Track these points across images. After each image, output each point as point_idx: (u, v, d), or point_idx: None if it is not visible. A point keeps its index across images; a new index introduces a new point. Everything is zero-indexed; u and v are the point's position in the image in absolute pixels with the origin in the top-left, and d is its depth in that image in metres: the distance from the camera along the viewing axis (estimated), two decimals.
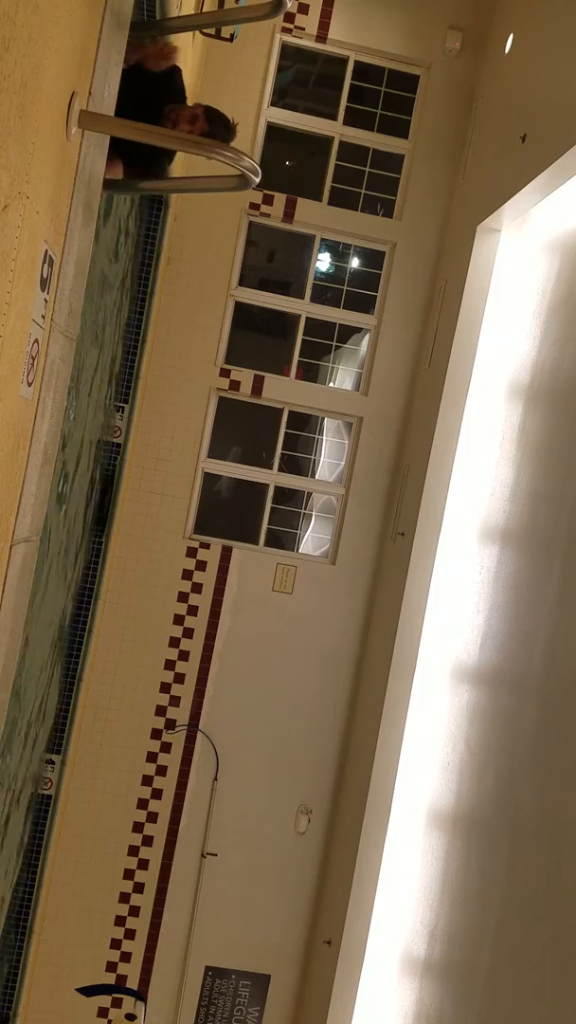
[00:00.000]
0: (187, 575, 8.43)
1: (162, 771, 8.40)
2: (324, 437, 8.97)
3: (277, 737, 8.46)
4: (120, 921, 8.38)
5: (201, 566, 8.44)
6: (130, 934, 8.40)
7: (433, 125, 8.46)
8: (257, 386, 8.51)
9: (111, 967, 8.37)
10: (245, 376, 8.49)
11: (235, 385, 8.49)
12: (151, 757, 8.39)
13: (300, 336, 8.67)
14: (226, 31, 7.33)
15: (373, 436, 8.58)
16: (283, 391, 8.61)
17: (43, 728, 6.59)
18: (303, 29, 8.32)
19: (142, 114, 3.74)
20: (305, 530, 8.96)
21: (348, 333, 8.85)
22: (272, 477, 8.72)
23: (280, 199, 8.39)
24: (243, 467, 8.75)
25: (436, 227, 8.46)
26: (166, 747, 8.40)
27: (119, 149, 3.87)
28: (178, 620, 8.43)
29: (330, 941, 7.96)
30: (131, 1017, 7.74)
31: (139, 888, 8.41)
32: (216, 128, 4.13)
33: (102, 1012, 8.16)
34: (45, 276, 2.84)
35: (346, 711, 8.54)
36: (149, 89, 4.17)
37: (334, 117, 8.56)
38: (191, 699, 8.42)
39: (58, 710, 7.21)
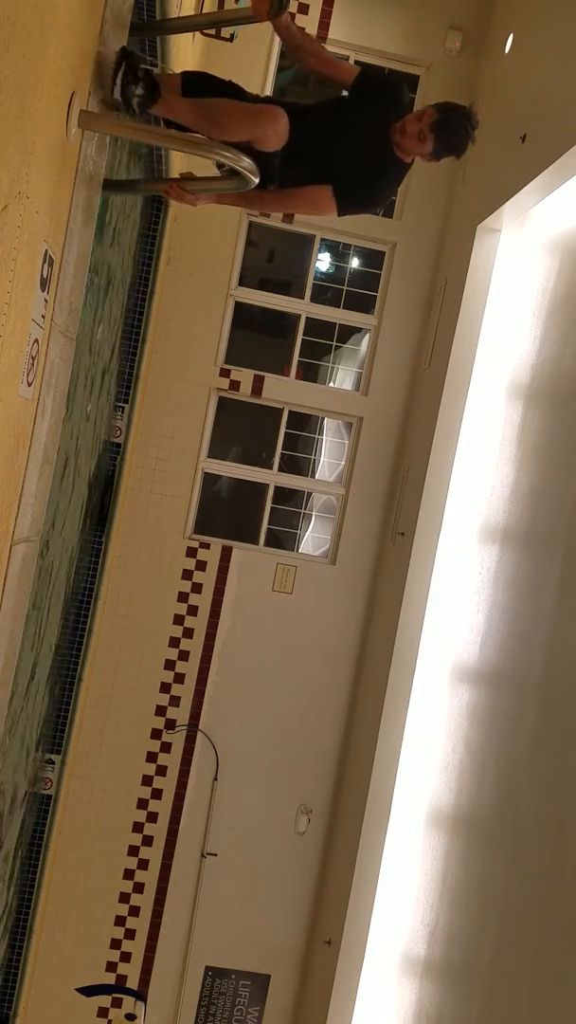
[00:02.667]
0: (187, 575, 8.43)
1: (162, 771, 8.40)
2: (324, 437, 8.97)
3: (277, 737, 8.46)
4: (120, 921, 8.38)
5: (201, 566, 8.44)
6: (130, 934, 8.40)
7: None
8: (257, 386, 8.51)
9: (111, 967, 8.37)
10: (245, 376, 8.49)
11: (235, 385, 8.49)
12: (151, 757, 8.39)
13: (300, 336, 8.67)
14: (226, 31, 7.32)
15: (373, 436, 8.58)
16: (283, 391, 8.61)
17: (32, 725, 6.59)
18: (303, 29, 8.30)
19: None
20: (305, 530, 8.96)
21: (348, 333, 8.85)
22: (272, 477, 8.72)
23: None
24: (243, 467, 8.75)
25: (436, 227, 8.45)
26: (166, 747, 8.40)
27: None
28: (178, 620, 8.42)
29: (330, 941, 7.96)
30: (131, 1017, 7.73)
31: (139, 888, 8.41)
32: (449, 119, 3.64)
33: (102, 1012, 8.15)
34: (45, 276, 2.84)
35: (346, 711, 8.54)
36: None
37: None
38: (191, 699, 8.42)
39: (58, 710, 7.21)
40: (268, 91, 8.39)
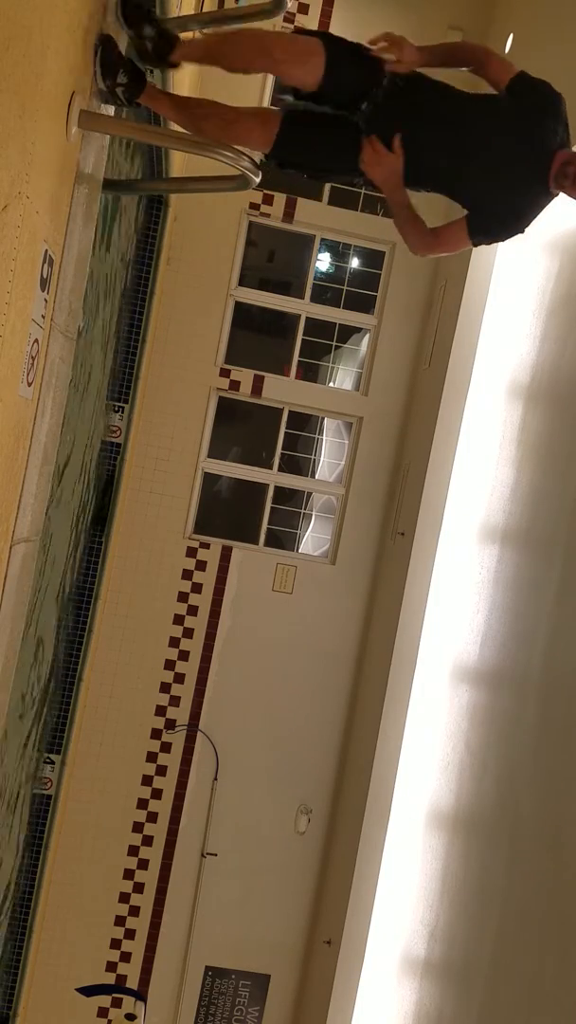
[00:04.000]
0: (187, 575, 8.43)
1: (162, 771, 8.40)
2: (324, 437, 8.97)
3: (277, 737, 8.46)
4: (120, 921, 8.38)
5: (201, 566, 8.44)
6: (130, 934, 8.40)
7: None
8: (257, 386, 8.51)
9: (111, 967, 8.37)
10: (245, 376, 8.48)
11: (235, 385, 8.49)
12: (151, 757, 8.39)
13: (300, 336, 8.67)
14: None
15: (373, 436, 8.58)
16: (283, 391, 8.61)
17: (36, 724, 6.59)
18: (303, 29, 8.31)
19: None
20: (305, 530, 8.96)
21: (348, 333, 8.85)
22: (272, 477, 8.72)
23: (280, 199, 8.39)
24: (243, 467, 8.75)
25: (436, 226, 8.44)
26: (166, 747, 8.40)
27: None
28: (178, 620, 8.42)
29: (330, 941, 7.96)
30: (131, 1017, 7.73)
31: (139, 888, 8.41)
32: None
33: (102, 1012, 8.15)
34: (45, 276, 2.84)
35: (346, 711, 8.54)
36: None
37: None
38: (191, 699, 8.42)
39: (58, 710, 7.21)
40: (268, 89, 8.39)
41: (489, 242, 3.45)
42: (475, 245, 3.41)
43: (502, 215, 3.29)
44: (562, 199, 3.34)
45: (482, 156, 3.23)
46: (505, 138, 3.21)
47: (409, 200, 3.35)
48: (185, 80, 6.44)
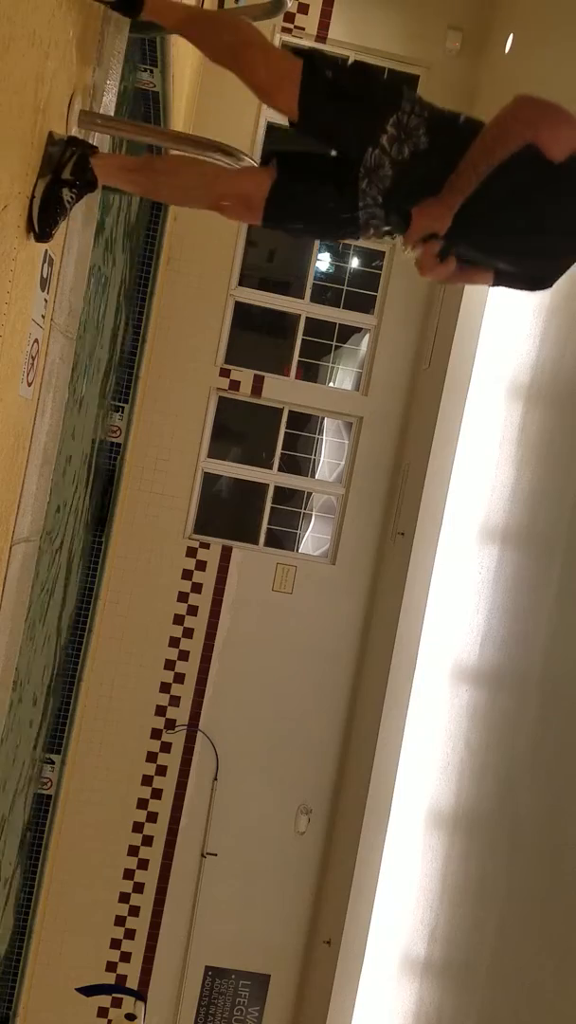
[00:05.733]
0: (187, 575, 8.43)
1: (162, 771, 8.40)
2: (324, 437, 8.97)
3: (277, 737, 8.46)
4: (120, 921, 8.38)
5: (201, 566, 8.44)
6: (130, 934, 8.40)
7: None
8: (257, 386, 8.51)
9: (111, 967, 8.37)
10: (245, 376, 8.48)
11: (235, 385, 8.49)
12: (151, 757, 8.39)
13: (300, 336, 8.67)
14: None
15: (373, 436, 8.58)
16: (283, 391, 8.61)
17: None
18: (303, 29, 8.31)
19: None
20: (305, 530, 8.96)
21: (348, 333, 8.85)
22: (272, 477, 8.71)
23: None
24: (243, 467, 8.75)
25: None
26: (166, 747, 8.40)
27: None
28: (178, 620, 8.42)
29: (330, 941, 7.96)
30: (131, 1017, 7.73)
31: (139, 888, 8.41)
32: None
33: (102, 1012, 8.15)
34: (45, 276, 2.84)
35: (346, 711, 8.54)
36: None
37: None
38: (191, 699, 8.42)
39: (58, 710, 7.21)
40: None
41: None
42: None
43: (535, 280, 3.02)
44: None
45: (534, 237, 2.83)
46: (565, 213, 2.77)
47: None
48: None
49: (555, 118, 2.63)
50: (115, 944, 8.38)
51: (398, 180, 2.72)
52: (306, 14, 8.27)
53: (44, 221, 2.60)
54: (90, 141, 2.87)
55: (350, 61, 2.97)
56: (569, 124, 2.63)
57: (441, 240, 2.70)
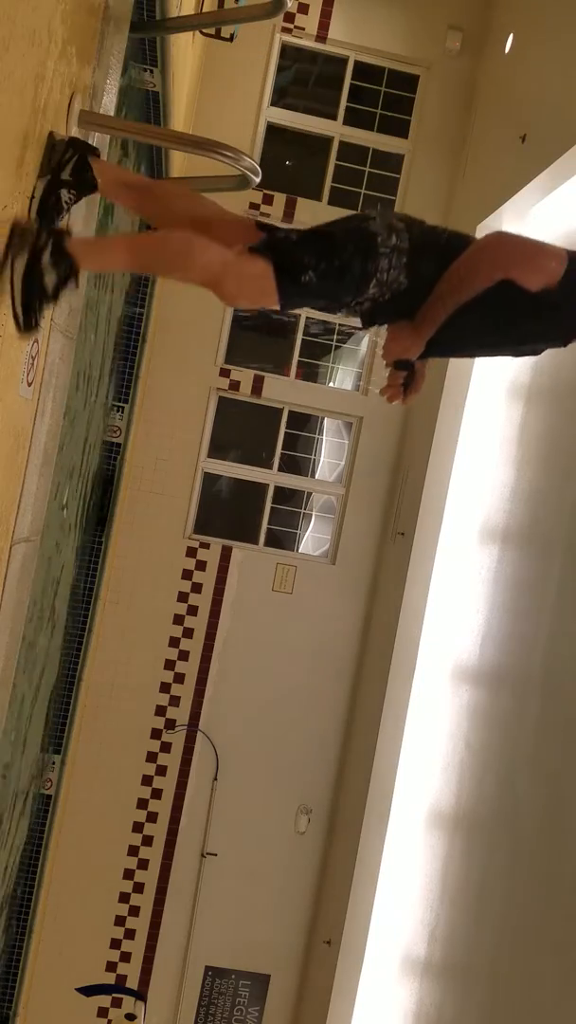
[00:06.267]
0: (187, 575, 8.43)
1: (162, 771, 8.40)
2: (324, 437, 8.96)
3: (277, 737, 8.46)
4: (120, 921, 8.38)
5: (201, 566, 8.44)
6: (130, 934, 8.40)
7: (433, 125, 8.45)
8: (257, 386, 8.51)
9: (111, 967, 8.37)
10: (245, 376, 8.48)
11: (235, 385, 8.49)
12: (151, 757, 8.39)
13: (300, 336, 8.67)
14: (226, 31, 7.32)
15: (373, 436, 8.58)
16: (283, 391, 8.61)
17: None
18: (303, 29, 8.32)
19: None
20: (305, 530, 8.95)
21: (348, 333, 8.85)
22: (272, 477, 8.71)
23: (280, 199, 8.39)
24: (243, 467, 8.75)
25: None
26: (166, 747, 8.40)
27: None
28: (178, 620, 8.42)
29: (330, 941, 7.96)
30: (131, 1017, 7.73)
31: (139, 888, 8.41)
32: None
33: (102, 1012, 8.15)
34: None
35: (346, 711, 8.54)
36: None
37: (334, 117, 8.55)
38: (191, 699, 8.42)
39: (58, 710, 7.20)
40: (268, 93, 8.39)
41: None
42: None
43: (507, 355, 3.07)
44: None
45: (508, 348, 2.90)
46: (541, 327, 2.76)
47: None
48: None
49: (526, 258, 2.59)
50: (115, 944, 8.38)
51: (381, 307, 2.70)
52: (306, 14, 8.27)
53: (42, 221, 2.58)
54: (91, 143, 2.86)
55: (318, 228, 2.72)
56: (542, 258, 2.58)
57: (411, 366, 2.73)
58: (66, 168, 2.62)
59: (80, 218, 3.23)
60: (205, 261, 2.52)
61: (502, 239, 2.65)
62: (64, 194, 2.61)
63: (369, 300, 2.65)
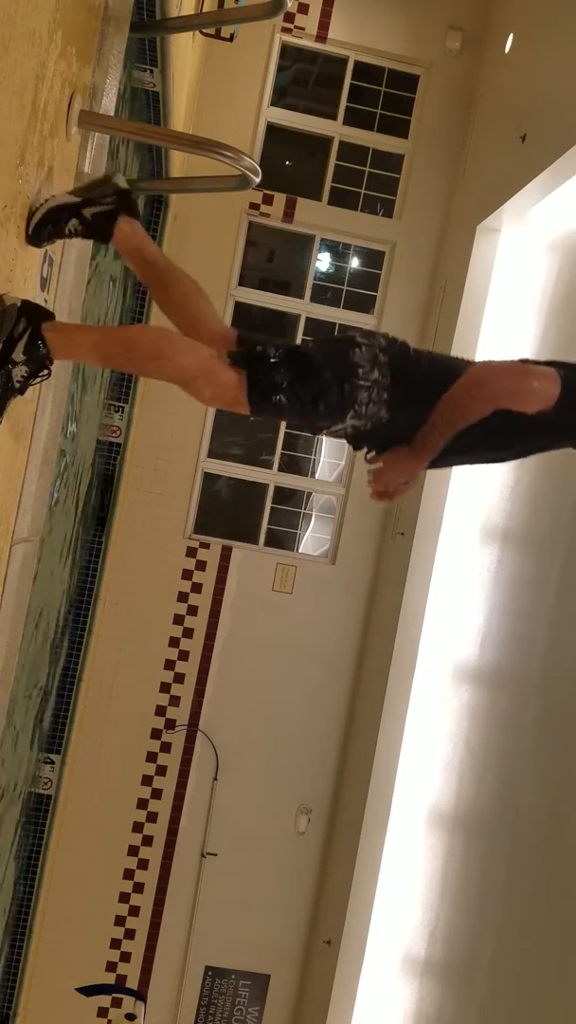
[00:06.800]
0: (187, 575, 8.43)
1: (162, 771, 8.40)
2: (324, 437, 8.95)
3: (277, 737, 8.46)
4: (120, 921, 8.38)
5: (201, 566, 8.43)
6: (130, 934, 8.40)
7: (433, 125, 8.45)
8: None
9: (111, 967, 8.37)
10: None
11: None
12: (151, 757, 8.39)
13: (300, 336, 8.66)
14: (226, 31, 7.32)
15: None
16: None
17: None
18: (303, 29, 8.31)
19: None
20: (305, 530, 8.95)
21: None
22: (272, 477, 8.71)
23: (280, 199, 8.39)
24: (243, 467, 8.74)
25: (436, 227, 8.45)
26: (166, 747, 8.40)
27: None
28: (178, 620, 8.42)
29: (330, 941, 7.96)
30: (131, 1017, 7.73)
31: (139, 888, 8.41)
32: None
33: (102, 1012, 8.15)
34: (45, 276, 2.84)
35: (346, 711, 8.53)
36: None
37: (334, 117, 8.55)
38: (191, 699, 8.42)
39: (58, 710, 7.20)
40: (268, 93, 8.39)
41: None
42: None
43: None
44: None
45: (520, 455, 2.87)
46: (536, 441, 2.76)
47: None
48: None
49: (518, 389, 2.55)
50: (115, 944, 8.38)
51: (364, 435, 2.70)
52: (306, 14, 8.27)
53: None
54: (45, 306, 2.59)
55: (299, 347, 2.65)
56: (533, 386, 2.54)
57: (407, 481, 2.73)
58: (18, 346, 2.38)
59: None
60: (180, 364, 2.55)
61: (491, 372, 2.59)
62: (17, 372, 2.39)
63: (351, 427, 2.63)
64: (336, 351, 2.59)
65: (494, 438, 2.68)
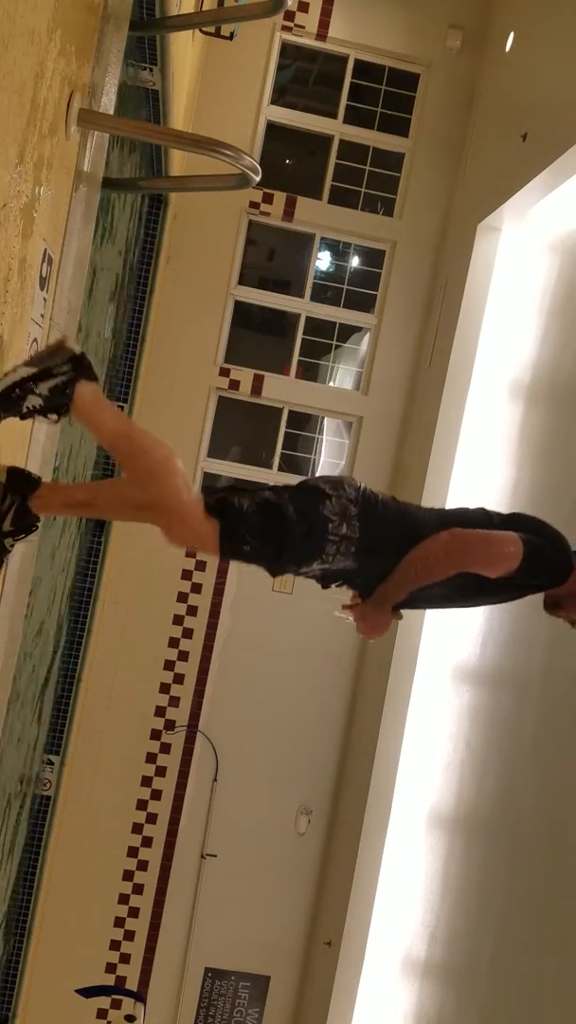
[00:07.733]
0: (187, 575, 8.41)
1: (161, 772, 8.39)
2: (324, 437, 8.95)
3: (277, 738, 8.44)
4: (119, 922, 8.36)
5: (201, 566, 8.42)
6: (129, 935, 8.39)
7: (433, 123, 8.44)
8: (257, 385, 8.49)
9: (111, 968, 8.36)
10: (245, 375, 8.47)
11: (235, 384, 8.47)
12: (150, 758, 8.37)
13: (300, 335, 8.65)
14: (226, 29, 7.31)
15: (373, 436, 8.56)
16: (283, 391, 8.59)
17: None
18: (303, 27, 8.30)
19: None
20: None
21: (348, 332, 8.83)
22: (272, 477, 8.70)
23: (280, 198, 8.37)
24: (243, 467, 8.73)
25: (436, 226, 8.44)
26: (165, 748, 8.39)
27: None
28: (178, 620, 8.41)
29: (330, 942, 7.95)
30: (131, 1018, 7.72)
31: (138, 889, 8.39)
32: None
33: (101, 1013, 8.14)
34: (44, 275, 2.83)
35: (346, 711, 8.52)
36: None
37: (334, 115, 8.54)
38: (191, 700, 8.40)
39: (58, 710, 7.19)
40: (268, 91, 8.37)
41: None
42: None
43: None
44: None
45: (489, 603, 3.03)
46: (502, 594, 2.87)
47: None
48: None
49: (483, 557, 2.64)
50: (115, 945, 8.37)
51: (331, 577, 2.87)
52: (306, 12, 8.26)
53: None
54: (31, 473, 2.66)
55: (270, 496, 2.69)
56: (497, 554, 2.62)
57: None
58: (6, 518, 2.50)
59: (79, 215, 3.22)
60: (173, 486, 2.65)
61: (456, 539, 2.65)
62: (7, 543, 2.53)
63: (319, 571, 2.79)
64: (307, 506, 2.65)
65: (461, 593, 2.80)
